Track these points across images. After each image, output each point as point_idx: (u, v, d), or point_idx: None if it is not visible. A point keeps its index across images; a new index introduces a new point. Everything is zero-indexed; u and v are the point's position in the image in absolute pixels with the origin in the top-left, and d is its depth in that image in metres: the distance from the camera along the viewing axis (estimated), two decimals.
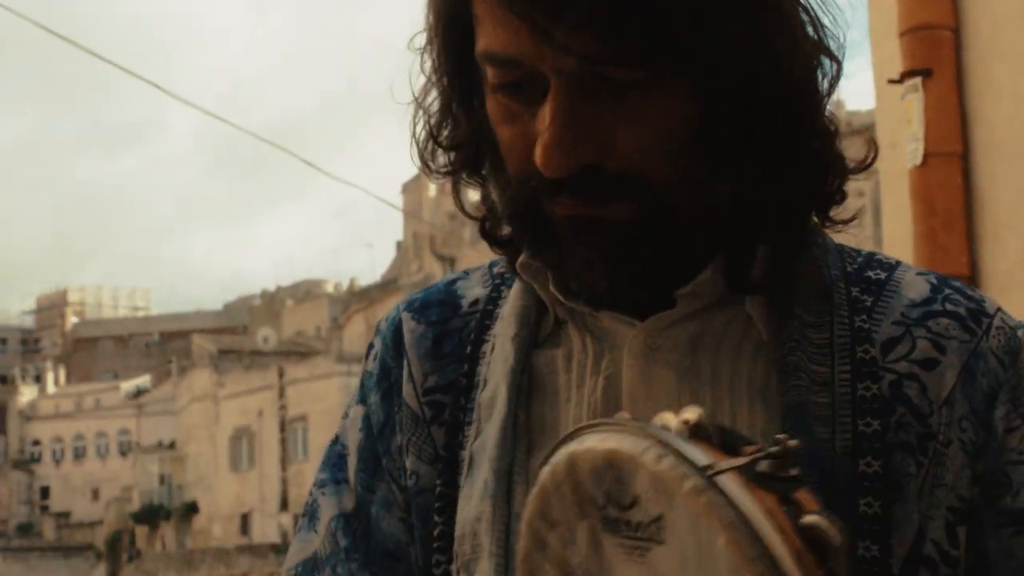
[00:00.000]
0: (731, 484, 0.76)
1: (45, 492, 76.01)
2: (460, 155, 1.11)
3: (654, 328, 1.05)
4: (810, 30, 1.02)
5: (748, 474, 0.76)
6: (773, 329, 1.05)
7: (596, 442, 0.82)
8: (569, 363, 1.09)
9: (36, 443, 77.40)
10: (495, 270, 1.20)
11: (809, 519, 0.75)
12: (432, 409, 1.14)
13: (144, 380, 79.34)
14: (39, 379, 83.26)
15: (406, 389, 1.16)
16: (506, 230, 1.12)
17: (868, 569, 0.99)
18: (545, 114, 0.97)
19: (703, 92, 0.97)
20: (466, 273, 1.22)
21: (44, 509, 74.67)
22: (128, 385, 78.76)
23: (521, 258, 1.10)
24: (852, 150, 1.05)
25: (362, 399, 1.20)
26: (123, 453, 73.23)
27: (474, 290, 1.18)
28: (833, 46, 1.04)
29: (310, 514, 1.20)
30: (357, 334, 53.77)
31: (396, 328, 1.20)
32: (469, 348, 1.14)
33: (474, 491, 1.07)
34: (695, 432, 0.80)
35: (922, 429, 1.02)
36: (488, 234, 1.13)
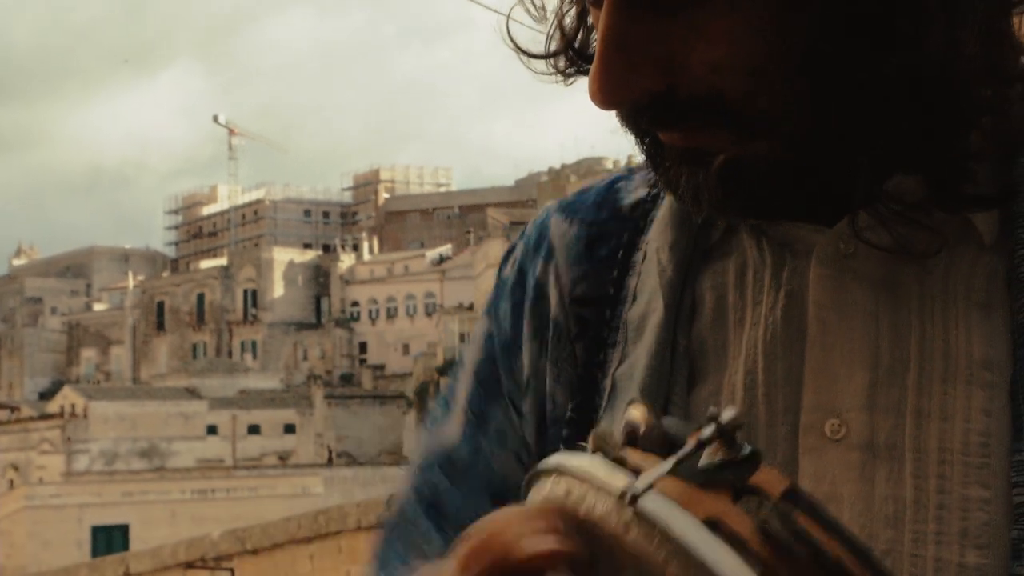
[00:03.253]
0: (662, 502, 0.54)
1: (363, 347, 79.84)
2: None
3: (848, 232, 0.78)
4: None
5: (687, 475, 0.54)
6: (999, 230, 0.78)
7: (549, 490, 0.60)
8: (743, 277, 0.84)
9: (355, 304, 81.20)
10: None
11: (762, 514, 0.53)
12: (578, 324, 0.90)
13: (446, 249, 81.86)
14: (356, 248, 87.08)
15: (552, 297, 0.92)
16: None
17: None
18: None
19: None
20: (631, 172, 0.95)
21: (362, 362, 78.56)
22: (432, 253, 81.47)
23: None
24: None
25: (490, 309, 0.97)
26: (428, 313, 76.11)
27: (636, 192, 0.92)
28: None
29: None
30: None
31: (543, 230, 0.96)
32: (621, 254, 0.90)
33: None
34: (630, 437, 0.58)
35: None
36: None
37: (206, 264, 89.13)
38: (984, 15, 0.72)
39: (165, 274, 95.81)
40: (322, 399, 61.82)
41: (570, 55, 0.84)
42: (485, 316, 0.97)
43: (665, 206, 0.88)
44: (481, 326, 0.97)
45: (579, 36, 0.84)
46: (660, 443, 0.57)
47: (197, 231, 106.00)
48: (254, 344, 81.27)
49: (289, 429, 60.33)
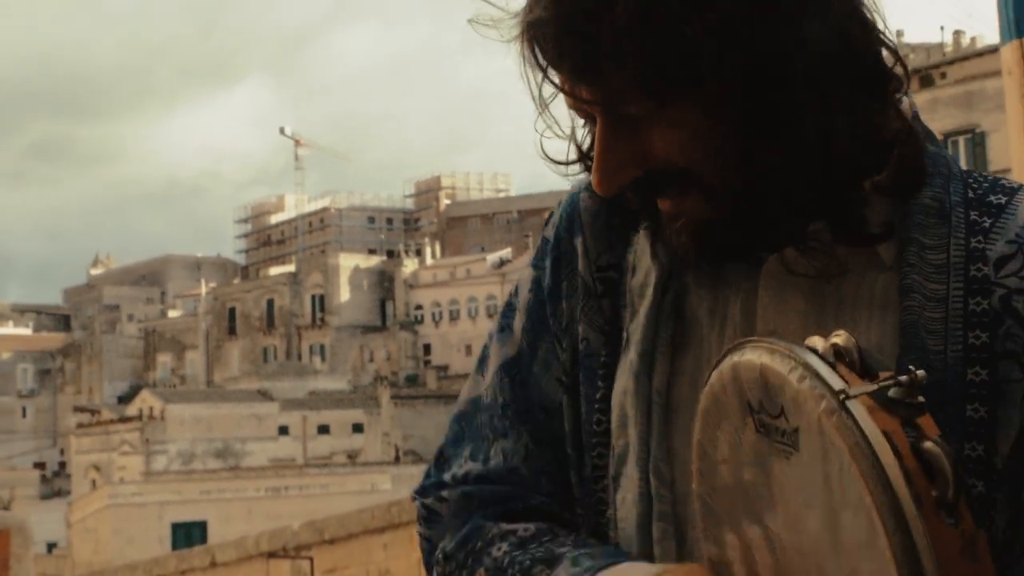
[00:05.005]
0: (860, 408, 0.79)
1: (427, 349, 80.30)
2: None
3: (789, 255, 1.06)
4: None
5: (878, 399, 0.79)
6: (896, 255, 1.06)
7: (754, 357, 0.88)
8: (716, 275, 1.12)
9: (418, 307, 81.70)
10: None
11: (927, 444, 0.78)
12: (603, 284, 1.17)
13: (506, 252, 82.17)
14: (419, 253, 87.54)
15: (581, 264, 1.19)
16: None
17: (974, 467, 1.00)
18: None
19: (711, 100, 0.99)
20: None
21: (426, 363, 78.96)
22: (493, 257, 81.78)
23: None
24: None
25: (535, 263, 1.23)
26: (490, 315, 76.28)
27: None
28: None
29: (482, 358, 1.25)
30: None
31: (573, 204, 1.22)
32: (635, 232, 1.17)
33: (625, 367, 1.13)
34: (838, 355, 0.83)
35: None
36: None
37: (275, 271, 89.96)
38: (853, 110, 1.02)
39: (236, 281, 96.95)
40: (388, 399, 62.30)
41: (585, 162, 1.14)
42: (532, 268, 1.23)
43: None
44: (528, 275, 1.23)
45: (589, 148, 1.12)
46: (859, 367, 0.83)
47: (266, 239, 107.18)
48: (322, 347, 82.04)
49: (357, 429, 60.87)
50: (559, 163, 1.14)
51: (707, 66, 0.97)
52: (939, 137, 1.06)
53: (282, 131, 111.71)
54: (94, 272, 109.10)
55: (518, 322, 1.22)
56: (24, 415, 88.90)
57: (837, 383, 0.81)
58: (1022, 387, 1.02)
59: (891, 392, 0.80)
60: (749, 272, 1.09)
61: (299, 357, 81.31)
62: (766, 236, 1.05)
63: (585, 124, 1.11)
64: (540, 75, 1.04)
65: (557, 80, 1.03)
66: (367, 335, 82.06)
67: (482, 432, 1.21)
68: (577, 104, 1.05)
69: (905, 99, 1.09)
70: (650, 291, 1.13)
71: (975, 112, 31.49)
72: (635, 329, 1.13)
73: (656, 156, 1.03)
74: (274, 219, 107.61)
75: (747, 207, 1.03)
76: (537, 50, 1.02)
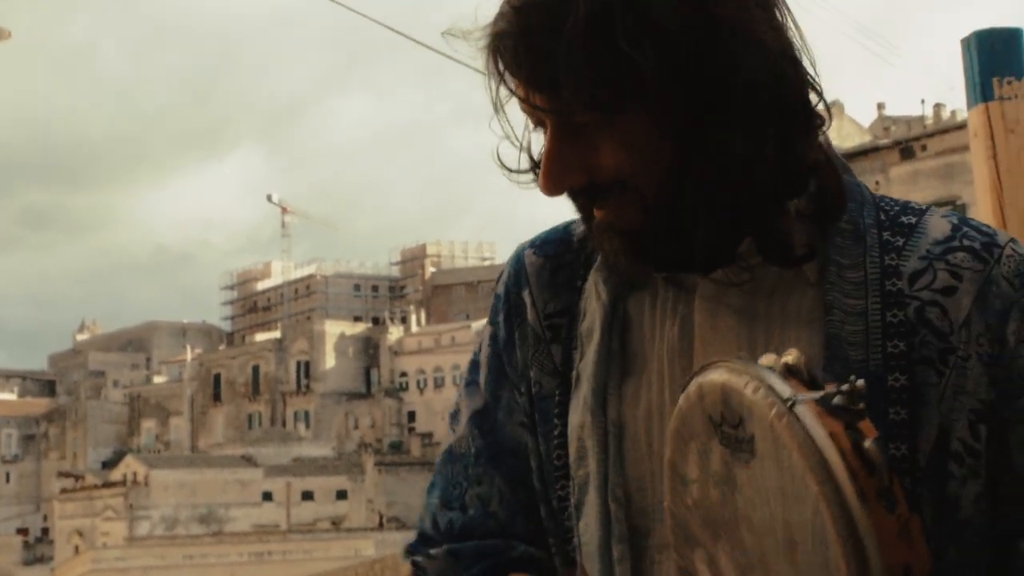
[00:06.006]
0: (807, 412, 0.88)
1: (411, 416, 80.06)
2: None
3: (720, 278, 1.15)
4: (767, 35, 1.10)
5: (824, 405, 0.89)
6: (819, 272, 1.15)
7: (716, 376, 0.97)
8: (654, 305, 1.20)
9: (403, 375, 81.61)
10: None
11: (867, 443, 0.87)
12: (551, 331, 1.26)
13: None
14: (404, 320, 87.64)
15: (530, 314, 1.27)
16: None
17: (898, 466, 1.08)
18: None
19: (654, 118, 1.09)
20: None
21: (411, 430, 78.63)
22: (478, 324, 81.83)
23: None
24: None
25: (491, 319, 1.33)
26: None
27: (583, 227, 1.25)
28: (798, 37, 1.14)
29: (455, 412, 1.33)
30: None
31: (519, 261, 1.32)
32: (579, 282, 1.26)
33: (578, 404, 1.21)
34: (788, 371, 0.92)
35: (943, 345, 1.11)
36: None
37: (261, 337, 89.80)
38: (778, 137, 1.10)
39: (221, 347, 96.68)
40: (373, 466, 62.05)
41: (535, 171, 1.20)
42: (489, 324, 1.32)
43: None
44: (487, 331, 1.32)
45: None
46: (807, 380, 0.92)
47: (252, 306, 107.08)
48: (307, 414, 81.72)
49: (341, 495, 60.58)
50: (513, 171, 1.21)
51: (648, 84, 1.05)
52: None
53: (269, 198, 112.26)
54: (80, 338, 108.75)
55: (482, 375, 1.30)
56: (8, 480, 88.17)
57: (786, 391, 0.90)
58: (938, 390, 1.10)
59: (835, 400, 0.89)
60: (684, 298, 1.17)
61: (284, 424, 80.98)
62: (697, 252, 1.13)
63: (536, 129, 1.18)
64: (499, 82, 1.13)
65: (514, 87, 1.12)
66: (352, 402, 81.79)
67: (455, 480, 1.28)
68: (531, 110, 1.13)
69: (822, 137, 1.17)
70: (597, 331, 1.20)
71: (955, 184, 32.00)
72: (585, 367, 1.21)
73: (603, 165, 1.11)
74: (260, 286, 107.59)
75: (678, 218, 1.11)
76: (499, 59, 1.11)
